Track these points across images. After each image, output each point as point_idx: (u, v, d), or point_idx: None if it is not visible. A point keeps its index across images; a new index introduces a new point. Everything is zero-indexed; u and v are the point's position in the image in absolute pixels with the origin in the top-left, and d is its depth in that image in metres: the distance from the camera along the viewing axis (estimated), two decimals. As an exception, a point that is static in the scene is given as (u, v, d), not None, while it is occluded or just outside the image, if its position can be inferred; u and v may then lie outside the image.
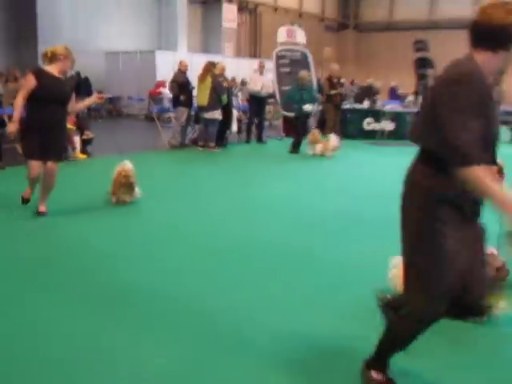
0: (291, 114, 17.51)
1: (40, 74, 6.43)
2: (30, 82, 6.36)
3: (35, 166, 6.57)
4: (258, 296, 4.68)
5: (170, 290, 4.72)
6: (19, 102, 6.43)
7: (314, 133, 13.36)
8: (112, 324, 4.02)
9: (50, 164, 6.61)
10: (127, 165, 7.57)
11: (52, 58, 6.46)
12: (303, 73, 14.60)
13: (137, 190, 7.65)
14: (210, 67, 13.54)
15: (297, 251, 5.90)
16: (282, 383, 3.34)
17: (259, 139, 15.64)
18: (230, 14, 29.14)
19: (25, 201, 7.07)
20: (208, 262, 5.51)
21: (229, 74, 15.99)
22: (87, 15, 22.71)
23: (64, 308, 4.27)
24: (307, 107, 13.94)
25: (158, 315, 4.21)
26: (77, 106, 7.23)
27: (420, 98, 19.26)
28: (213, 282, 4.97)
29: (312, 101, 14.34)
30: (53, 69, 6.48)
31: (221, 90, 13.42)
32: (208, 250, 5.84)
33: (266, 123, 17.45)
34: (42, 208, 6.83)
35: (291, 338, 3.90)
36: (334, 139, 13.23)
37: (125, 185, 7.45)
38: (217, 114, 13.32)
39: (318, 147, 13.04)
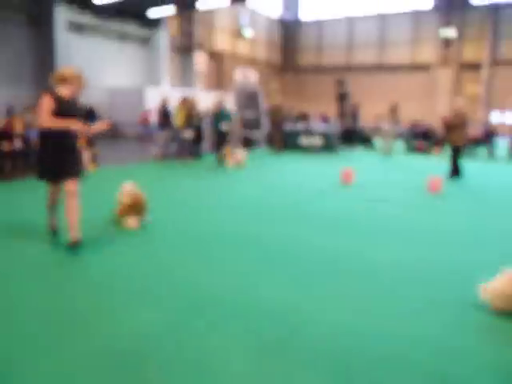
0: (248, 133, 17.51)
1: (55, 97, 4.86)
2: (50, 102, 4.78)
3: (53, 188, 5.18)
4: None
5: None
6: (50, 119, 4.76)
7: (227, 149, 12.58)
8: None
9: (68, 183, 4.95)
10: (133, 187, 6.04)
11: (62, 80, 4.95)
12: (190, 100, 13.65)
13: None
14: (184, 101, 13.39)
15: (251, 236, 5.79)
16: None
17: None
18: (200, 59, 28.95)
19: (53, 231, 5.41)
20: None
21: (201, 104, 15.75)
22: (96, 60, 22.29)
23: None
24: (224, 127, 13.07)
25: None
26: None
27: (341, 121, 19.42)
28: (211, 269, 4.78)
29: (227, 121, 13.28)
30: (63, 91, 4.96)
31: (192, 117, 13.32)
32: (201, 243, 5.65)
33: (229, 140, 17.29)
34: (75, 236, 4.97)
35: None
36: (241, 154, 12.69)
37: (137, 207, 5.91)
38: (189, 134, 13.16)
39: (231, 161, 12.41)
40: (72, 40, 21.22)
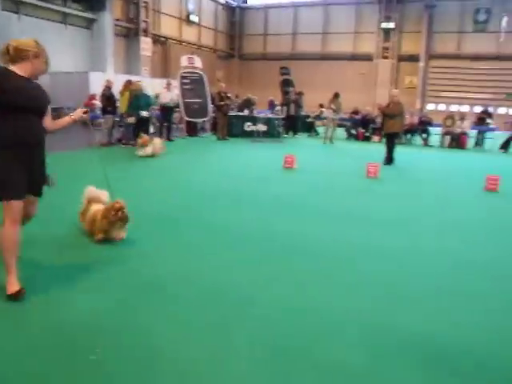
0: (193, 120, 17.35)
1: (1, 75, 3.32)
2: None
3: (17, 207, 3.35)
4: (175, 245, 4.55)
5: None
6: None
7: (144, 137, 11.39)
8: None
9: (31, 200, 3.58)
10: (119, 200, 4.70)
11: (16, 55, 3.34)
12: (135, 83, 12.62)
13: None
14: (128, 84, 13.06)
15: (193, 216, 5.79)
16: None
17: (168, 138, 15.28)
18: (146, 45, 28.28)
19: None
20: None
21: (146, 90, 15.42)
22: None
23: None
24: (143, 113, 12.05)
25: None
26: (59, 122, 3.87)
27: (285, 108, 19.58)
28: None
29: (147, 107, 12.26)
30: (19, 70, 3.37)
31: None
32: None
33: (174, 126, 17.06)
34: (16, 286, 3.39)
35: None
36: (158, 142, 11.67)
37: (121, 220, 4.65)
38: (133, 119, 12.80)
39: (148, 149, 11.21)
40: (8, 19, 20.07)
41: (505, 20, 29.99)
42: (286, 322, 3.23)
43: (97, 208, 4.84)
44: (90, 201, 4.99)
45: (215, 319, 3.24)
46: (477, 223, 6.34)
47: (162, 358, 2.74)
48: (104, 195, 5.07)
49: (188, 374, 2.60)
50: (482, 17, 31.36)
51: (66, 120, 3.90)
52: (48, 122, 3.66)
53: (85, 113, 3.98)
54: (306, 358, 2.80)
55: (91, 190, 5.13)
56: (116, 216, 4.61)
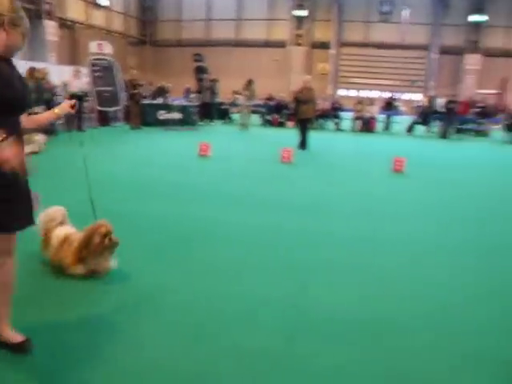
0: (105, 109, 16.75)
1: None
2: None
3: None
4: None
5: None
6: None
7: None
8: None
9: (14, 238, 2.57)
10: (103, 221, 3.67)
11: None
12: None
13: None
14: (32, 72, 12.31)
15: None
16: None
17: (79, 129, 14.64)
18: (51, 30, 26.70)
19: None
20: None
21: (53, 78, 14.66)
22: None
23: None
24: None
25: None
26: (38, 119, 2.77)
27: (200, 95, 19.42)
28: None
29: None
30: None
31: (43, 90, 12.30)
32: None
33: (85, 116, 16.34)
34: (18, 336, 2.63)
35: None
36: (41, 138, 10.45)
37: (108, 248, 3.60)
38: (40, 110, 12.12)
39: (31, 146, 10.64)
40: None
41: (406, 12, 31.74)
42: (207, 309, 3.26)
43: (65, 232, 3.79)
44: (49, 226, 3.87)
45: (133, 315, 3.21)
46: (383, 204, 6.70)
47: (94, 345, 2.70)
48: (60, 212, 3.99)
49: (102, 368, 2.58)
50: (385, 8, 32.97)
51: (47, 116, 2.84)
52: (23, 119, 2.57)
53: (72, 106, 2.88)
54: (225, 344, 2.84)
55: (47, 214, 3.92)
56: (102, 244, 3.56)
